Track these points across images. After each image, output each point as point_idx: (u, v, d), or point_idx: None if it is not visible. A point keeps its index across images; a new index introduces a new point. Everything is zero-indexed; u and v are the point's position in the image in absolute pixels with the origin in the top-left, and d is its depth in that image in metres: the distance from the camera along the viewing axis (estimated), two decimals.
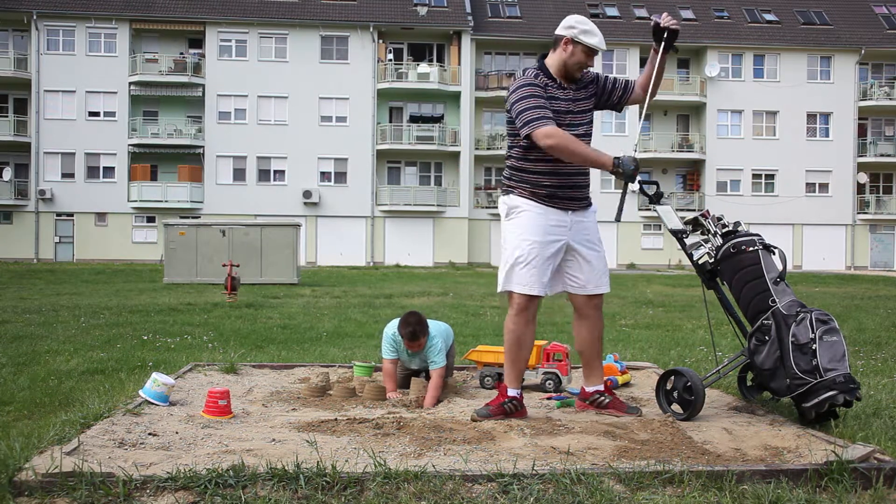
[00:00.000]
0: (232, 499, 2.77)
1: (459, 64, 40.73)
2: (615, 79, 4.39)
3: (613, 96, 4.34)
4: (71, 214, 39.71)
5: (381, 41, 40.86)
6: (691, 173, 43.78)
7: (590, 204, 4.37)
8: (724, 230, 4.26)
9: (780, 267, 4.09)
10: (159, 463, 3.12)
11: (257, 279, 21.43)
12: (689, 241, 4.39)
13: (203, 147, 40.06)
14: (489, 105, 42.19)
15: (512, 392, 4.16)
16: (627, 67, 42.27)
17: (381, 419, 3.98)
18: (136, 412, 4.05)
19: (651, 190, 4.51)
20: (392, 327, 4.89)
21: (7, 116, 39.88)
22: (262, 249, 22.14)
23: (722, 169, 42.80)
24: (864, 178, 43.19)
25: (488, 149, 41.49)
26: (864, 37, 43.20)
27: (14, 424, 4.10)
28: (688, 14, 43.82)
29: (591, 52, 4.16)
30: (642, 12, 43.45)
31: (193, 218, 35.78)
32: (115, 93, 39.64)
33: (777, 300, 3.95)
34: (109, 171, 39.90)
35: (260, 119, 40.42)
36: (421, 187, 40.93)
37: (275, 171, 40.65)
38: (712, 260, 4.27)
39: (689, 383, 4.08)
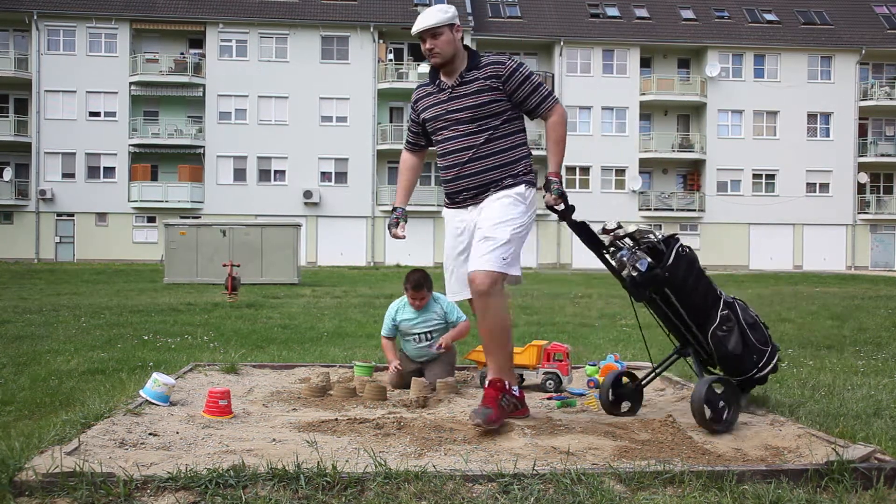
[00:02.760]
0: (232, 499, 2.77)
1: None
2: (530, 93, 3.98)
3: (524, 106, 4.03)
4: (71, 214, 39.73)
5: (381, 41, 40.88)
6: (692, 173, 43.79)
7: (497, 191, 4.00)
8: (644, 238, 4.03)
9: None
10: (160, 463, 3.12)
11: (258, 279, 21.45)
12: (620, 252, 4.04)
13: (203, 147, 40.09)
14: None
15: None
16: (628, 67, 42.26)
17: (381, 419, 3.98)
18: (136, 412, 4.05)
19: (560, 206, 3.97)
20: (395, 305, 5.22)
21: (8, 116, 39.91)
22: (262, 249, 22.16)
23: (722, 169, 42.81)
24: (864, 177, 43.21)
25: None
26: (864, 37, 43.22)
27: (15, 424, 4.10)
28: (688, 14, 43.83)
29: (420, 37, 4.02)
30: (643, 12, 43.45)
31: (194, 218, 35.79)
32: (116, 93, 39.68)
33: (720, 290, 4.09)
34: (110, 171, 39.94)
35: (260, 119, 40.45)
36: (421, 187, 40.89)
37: (275, 171, 40.67)
38: (656, 270, 3.96)
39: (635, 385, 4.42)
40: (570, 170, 42.32)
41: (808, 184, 43.07)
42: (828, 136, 43.25)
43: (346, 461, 3.12)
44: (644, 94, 42.29)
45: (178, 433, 3.68)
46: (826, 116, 43.24)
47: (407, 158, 4.41)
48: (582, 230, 4.02)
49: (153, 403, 4.27)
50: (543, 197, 3.98)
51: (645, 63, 42.94)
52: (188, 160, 40.41)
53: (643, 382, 4.41)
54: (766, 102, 42.76)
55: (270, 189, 40.44)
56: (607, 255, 4.10)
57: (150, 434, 3.64)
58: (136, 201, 39.64)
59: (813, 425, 3.93)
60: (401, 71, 40.70)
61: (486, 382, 3.96)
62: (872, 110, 43.63)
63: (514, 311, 12.50)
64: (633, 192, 42.50)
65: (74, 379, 5.63)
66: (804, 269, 41.33)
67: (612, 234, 4.04)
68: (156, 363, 6.31)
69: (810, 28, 43.67)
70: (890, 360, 6.96)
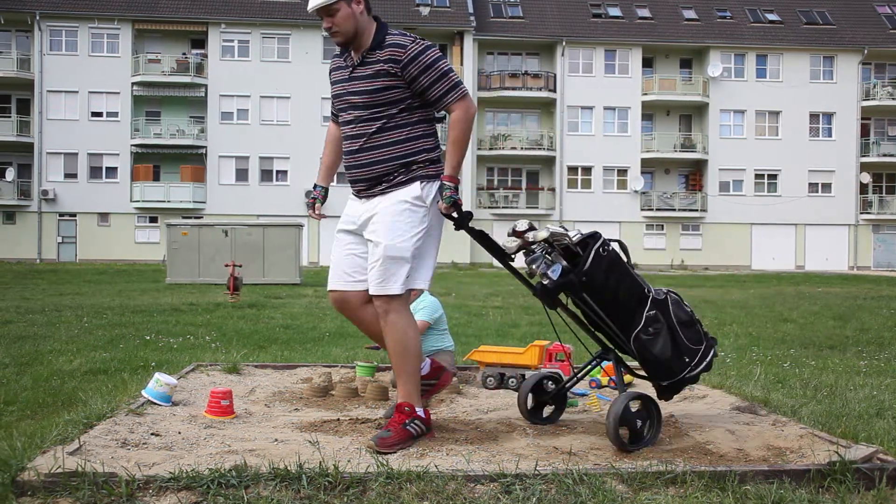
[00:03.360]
0: (234, 499, 2.78)
1: (462, 64, 40.74)
2: (433, 82, 3.54)
3: (425, 96, 3.59)
4: (74, 215, 39.76)
5: None
6: (694, 173, 43.76)
7: (391, 191, 3.62)
8: (559, 241, 3.69)
9: (625, 257, 3.85)
10: (162, 463, 3.12)
11: (260, 279, 21.46)
12: (532, 257, 3.71)
13: (205, 147, 40.11)
14: (492, 105, 42.20)
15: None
16: (630, 67, 42.22)
17: (383, 419, 3.98)
18: (138, 412, 4.05)
19: (453, 214, 3.62)
20: None
21: (10, 117, 39.95)
22: (264, 249, 22.17)
23: (724, 169, 42.76)
24: (866, 178, 43.17)
25: (491, 149, 41.52)
26: (866, 37, 43.17)
27: (17, 424, 4.11)
28: (690, 14, 43.79)
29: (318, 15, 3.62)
30: (644, 12, 43.41)
31: (196, 218, 35.78)
32: (118, 93, 39.70)
33: (649, 288, 3.77)
34: (112, 171, 39.96)
35: (262, 119, 40.47)
36: None
37: (277, 172, 40.69)
38: (570, 276, 3.65)
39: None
40: (573, 170, 42.33)
41: (810, 184, 43.03)
42: (830, 136, 43.20)
43: (349, 461, 3.12)
44: (646, 94, 42.26)
45: (180, 433, 3.68)
46: (828, 116, 43.19)
47: (331, 129, 3.94)
48: (482, 239, 3.72)
49: (155, 403, 4.28)
50: (437, 203, 3.60)
51: (647, 63, 42.92)
52: (190, 160, 40.43)
53: (567, 387, 4.12)
54: (768, 102, 42.73)
55: (272, 189, 40.46)
56: (513, 263, 3.76)
57: (152, 434, 3.64)
58: (139, 201, 39.67)
59: (815, 426, 3.93)
60: None
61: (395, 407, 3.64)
62: (875, 110, 43.59)
63: (515, 312, 12.49)
64: (635, 192, 42.46)
65: (77, 379, 5.64)
66: (806, 270, 41.29)
67: (522, 236, 3.68)
68: (158, 363, 6.32)
69: (812, 28, 43.62)
70: (892, 361, 6.95)
